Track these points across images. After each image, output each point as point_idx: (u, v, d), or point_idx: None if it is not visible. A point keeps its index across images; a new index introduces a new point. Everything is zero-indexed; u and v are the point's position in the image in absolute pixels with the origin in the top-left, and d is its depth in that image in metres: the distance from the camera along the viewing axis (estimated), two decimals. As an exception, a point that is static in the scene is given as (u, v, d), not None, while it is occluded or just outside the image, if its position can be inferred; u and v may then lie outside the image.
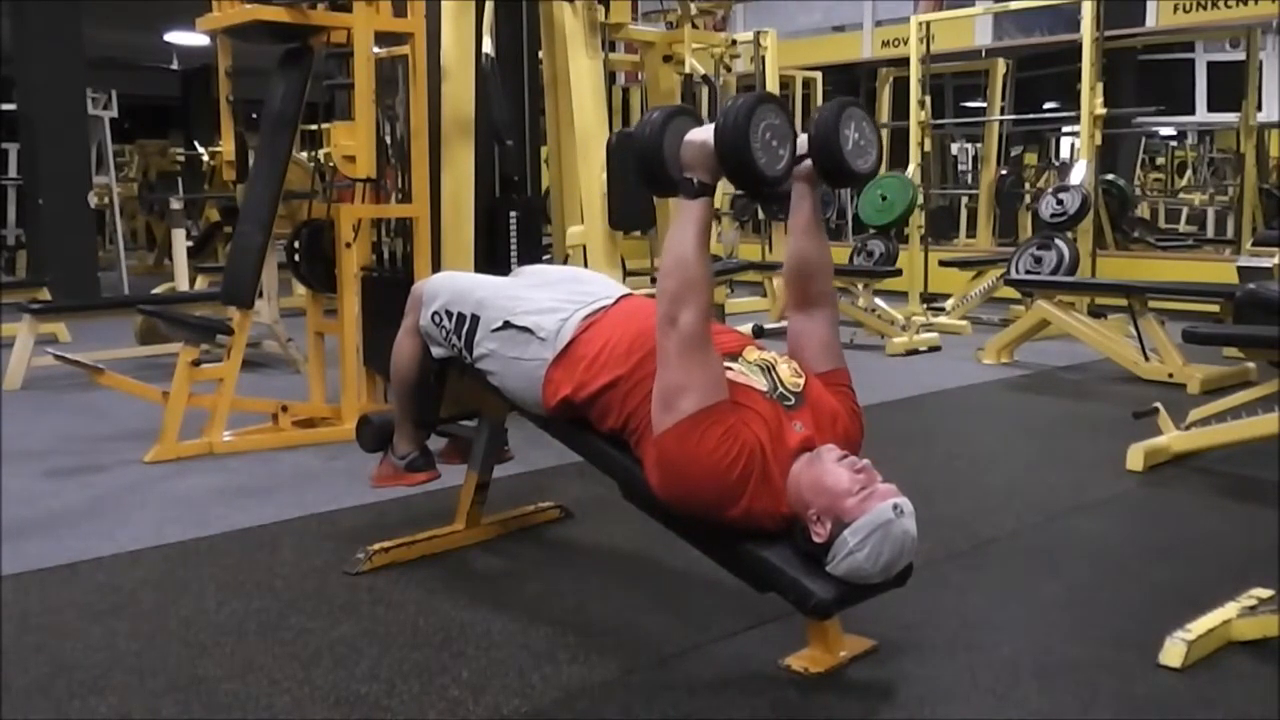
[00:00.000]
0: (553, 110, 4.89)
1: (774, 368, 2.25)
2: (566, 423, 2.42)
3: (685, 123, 2.22)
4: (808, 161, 2.29)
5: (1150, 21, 9.46)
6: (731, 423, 2.07)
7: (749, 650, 2.34)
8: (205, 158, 12.94)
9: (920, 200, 8.07)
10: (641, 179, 2.25)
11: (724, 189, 8.93)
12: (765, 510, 2.09)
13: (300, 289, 5.98)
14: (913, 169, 8.15)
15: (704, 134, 2.11)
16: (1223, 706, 2.11)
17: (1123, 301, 5.54)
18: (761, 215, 9.00)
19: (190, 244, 8.67)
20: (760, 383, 2.20)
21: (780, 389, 2.20)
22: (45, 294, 6.79)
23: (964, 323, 7.31)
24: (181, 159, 13.63)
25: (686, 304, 2.07)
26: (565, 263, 4.53)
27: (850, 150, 2.25)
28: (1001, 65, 9.63)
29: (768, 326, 6.53)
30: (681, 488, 2.10)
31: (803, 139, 2.28)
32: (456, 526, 2.98)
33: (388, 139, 4.49)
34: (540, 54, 4.83)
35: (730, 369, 2.20)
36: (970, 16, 9.79)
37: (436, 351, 2.69)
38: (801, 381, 2.25)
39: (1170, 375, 5.27)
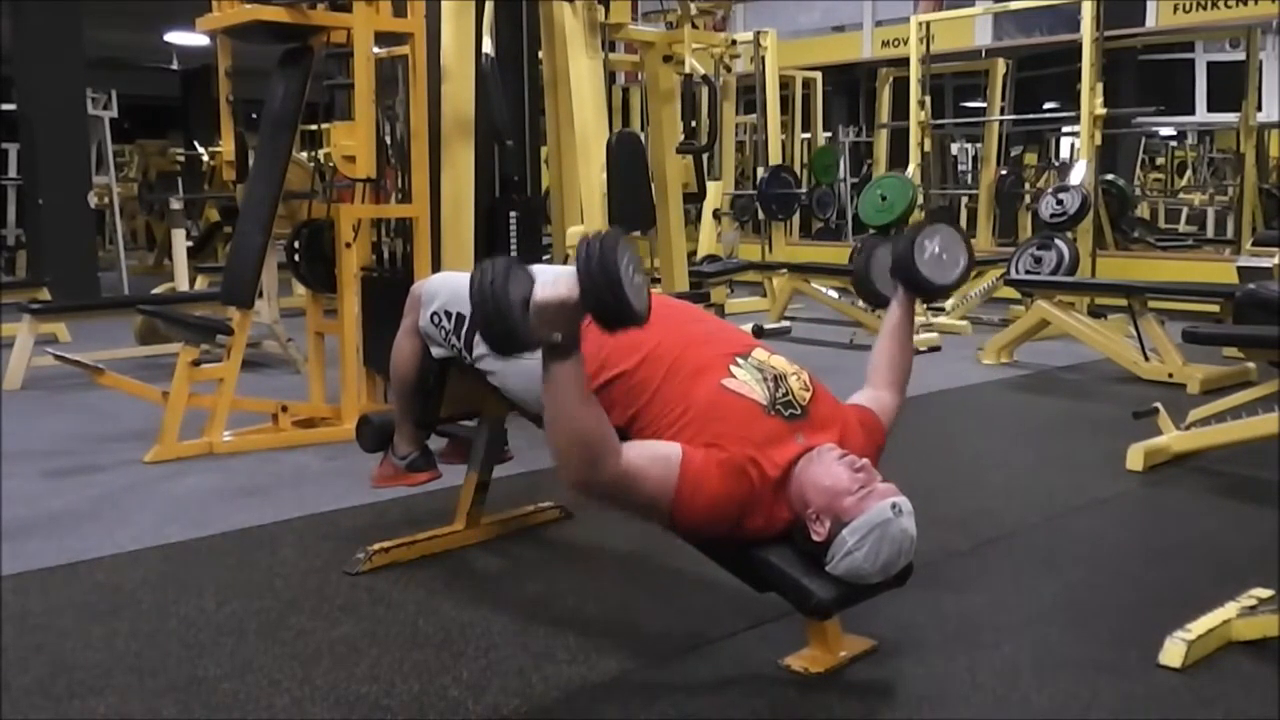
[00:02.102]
0: (553, 110, 4.89)
1: (783, 378, 2.23)
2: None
3: (524, 275, 1.93)
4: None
5: (1150, 21, 9.46)
6: (704, 463, 2.05)
7: (749, 650, 2.34)
8: (205, 158, 12.93)
9: (920, 200, 8.06)
10: (490, 344, 1.96)
11: (724, 189, 8.96)
12: (764, 525, 2.11)
13: (300, 289, 5.98)
14: (913, 169, 8.15)
15: (558, 290, 1.85)
16: (1223, 706, 2.11)
17: (1123, 301, 5.54)
18: (762, 215, 9.00)
19: (190, 244, 8.67)
20: (759, 395, 2.18)
21: (786, 399, 2.19)
22: (45, 294, 6.78)
23: (964, 323, 7.31)
24: (181, 159, 13.62)
25: (598, 462, 1.97)
26: (565, 263, 4.53)
27: (928, 262, 2.46)
28: (1001, 65, 9.63)
29: (768, 326, 6.53)
30: (701, 535, 2.15)
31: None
32: (456, 526, 2.98)
33: (388, 139, 4.49)
34: (540, 54, 4.82)
35: (733, 376, 2.19)
36: (970, 16, 9.79)
37: (436, 351, 2.69)
38: (809, 395, 2.24)
39: (1170, 375, 5.27)
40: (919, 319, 7.05)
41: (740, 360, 2.23)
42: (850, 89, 12.87)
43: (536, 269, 2.03)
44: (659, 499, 2.04)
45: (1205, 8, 9.18)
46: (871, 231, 8.14)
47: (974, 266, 2.61)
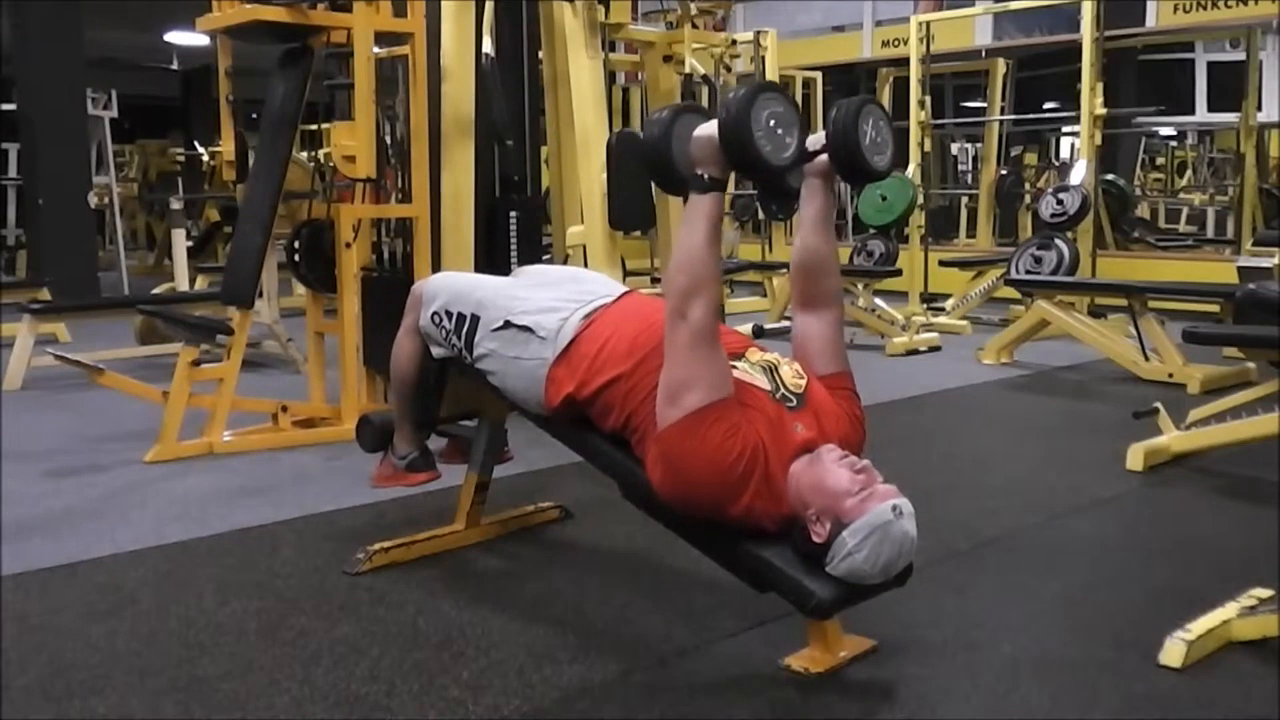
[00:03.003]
0: (553, 110, 4.89)
1: (776, 369, 2.25)
2: (566, 422, 2.42)
3: (693, 120, 2.21)
4: (822, 157, 2.27)
5: (1150, 21, 9.46)
6: (736, 420, 2.07)
7: (749, 650, 2.34)
8: (205, 158, 12.94)
9: (920, 200, 8.07)
10: (651, 176, 2.26)
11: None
12: (765, 510, 2.09)
13: (300, 289, 5.98)
14: (913, 169, 8.15)
15: (712, 128, 2.10)
16: (1223, 706, 2.11)
17: (1123, 301, 5.54)
18: (762, 215, 9.00)
19: (190, 244, 8.67)
20: (763, 383, 2.20)
21: (782, 390, 2.20)
22: (45, 294, 6.78)
23: (964, 323, 7.31)
24: (181, 159, 13.62)
25: (696, 299, 2.07)
26: (565, 263, 4.53)
27: (868, 146, 2.23)
28: (1001, 65, 9.63)
29: (768, 326, 6.52)
30: (683, 484, 2.09)
31: (819, 135, 2.28)
32: (456, 526, 2.98)
33: (388, 139, 4.49)
34: (540, 54, 4.82)
35: (734, 368, 2.20)
36: (970, 16, 9.79)
37: (436, 351, 2.69)
38: (803, 383, 2.24)
39: (1170, 375, 5.27)
40: (919, 319, 7.10)
41: (735, 359, 2.23)
42: (850, 89, 12.86)
43: None
44: (702, 391, 2.07)
45: (1205, 8, 9.18)
46: (871, 231, 8.16)
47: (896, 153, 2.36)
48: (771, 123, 2.08)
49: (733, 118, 2.05)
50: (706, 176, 2.11)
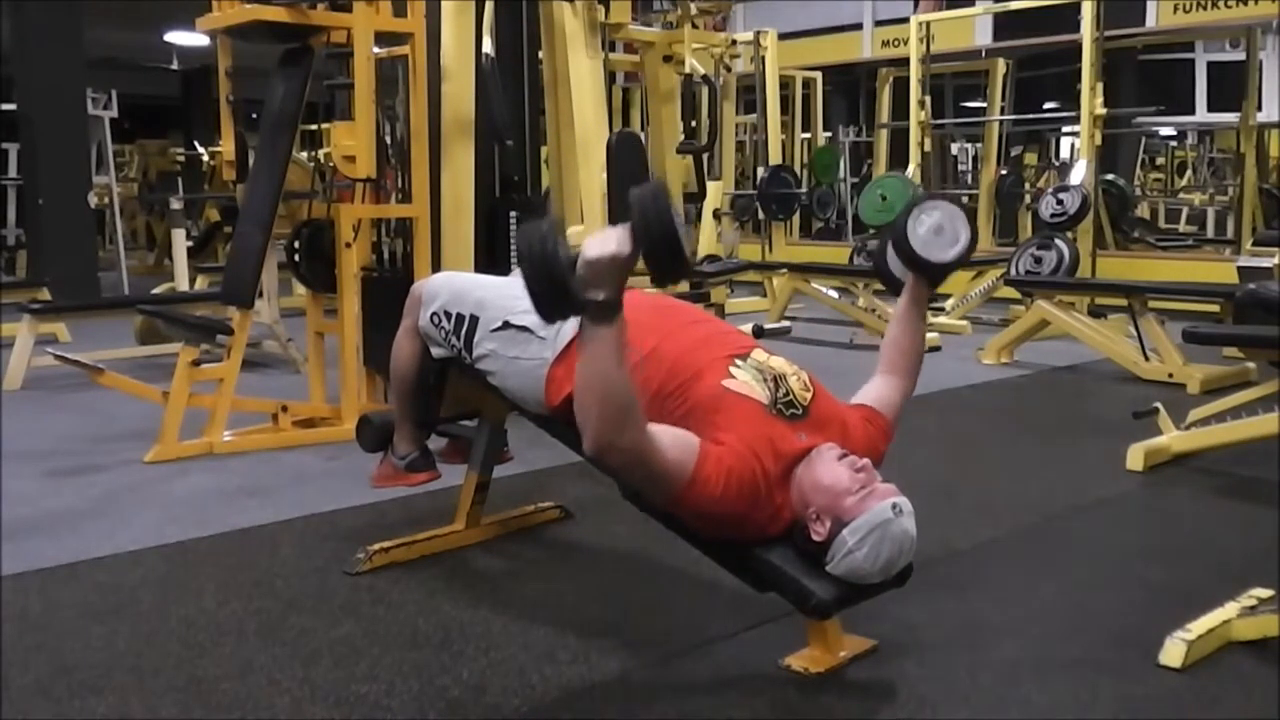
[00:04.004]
0: (553, 110, 4.89)
1: (784, 379, 2.23)
2: (566, 422, 2.41)
3: (562, 237, 1.89)
4: None
5: (1150, 21, 9.47)
6: (719, 457, 2.05)
7: (749, 650, 2.34)
8: (205, 158, 12.95)
9: (920, 200, 8.05)
10: (542, 308, 1.89)
11: (724, 189, 8.96)
12: (772, 519, 2.11)
13: (300, 289, 5.98)
14: (913, 169, 8.15)
15: (608, 245, 1.82)
16: (1223, 706, 2.11)
17: (1123, 301, 5.54)
18: (762, 215, 9.00)
19: (190, 244, 8.66)
20: (760, 395, 2.17)
21: (786, 399, 2.19)
22: (45, 294, 6.78)
23: (964, 323, 7.31)
24: (181, 159, 13.63)
25: (623, 428, 1.93)
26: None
27: (923, 237, 2.34)
28: (1001, 65, 9.64)
29: (768, 326, 6.52)
30: (702, 527, 2.14)
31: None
32: (456, 526, 2.98)
33: (388, 139, 4.49)
34: (540, 54, 4.82)
35: (733, 377, 2.19)
36: (970, 16, 9.79)
37: (436, 352, 2.69)
38: (810, 395, 2.24)
39: (1170, 375, 5.27)
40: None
41: (739, 361, 2.23)
42: (850, 89, 12.87)
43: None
44: (674, 476, 2.03)
45: (1205, 8, 9.19)
46: (871, 231, 8.16)
47: (975, 244, 2.45)
48: (680, 221, 1.88)
49: (659, 232, 1.82)
50: (605, 299, 1.84)
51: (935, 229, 2.36)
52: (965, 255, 2.38)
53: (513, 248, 4.48)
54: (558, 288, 1.83)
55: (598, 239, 1.84)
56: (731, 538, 2.14)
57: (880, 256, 2.57)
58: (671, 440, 2.04)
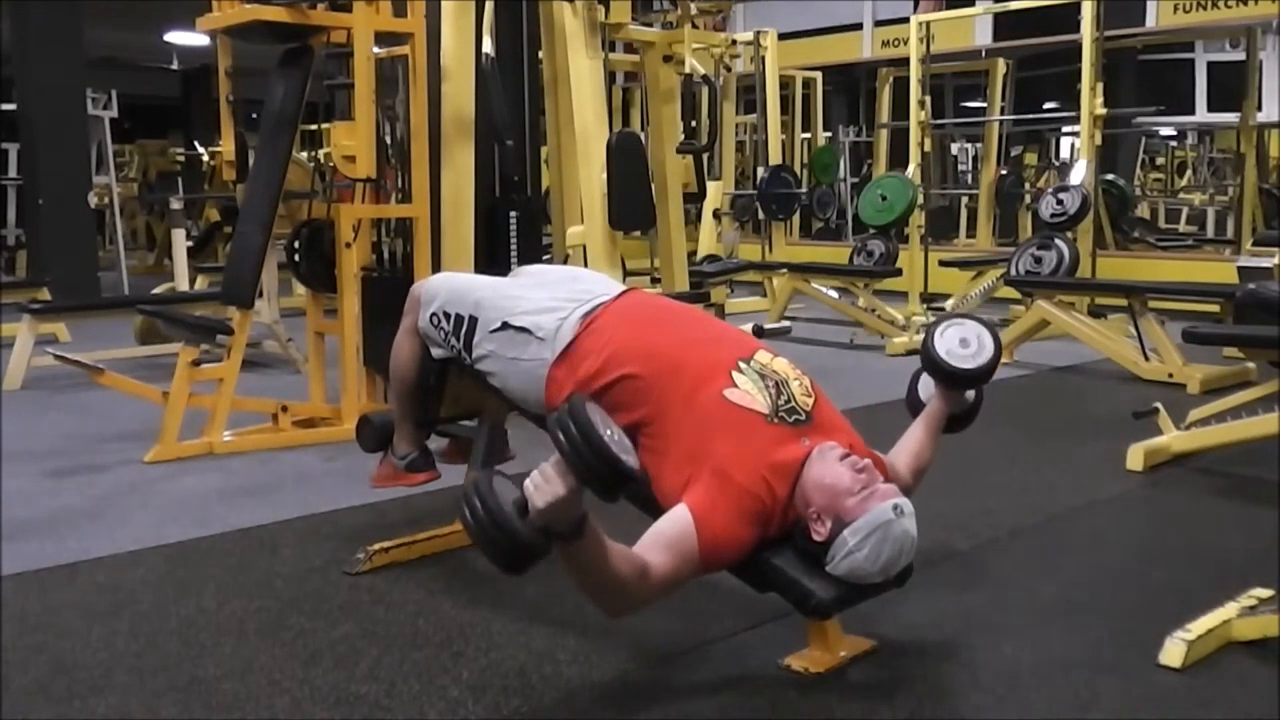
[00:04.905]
0: (553, 110, 4.88)
1: (786, 384, 2.22)
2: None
3: (502, 485, 1.83)
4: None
5: (1150, 21, 9.46)
6: (727, 515, 2.04)
7: (749, 650, 2.34)
8: (205, 158, 12.95)
9: (920, 200, 8.07)
10: (504, 568, 1.84)
11: (724, 189, 8.96)
12: (783, 527, 2.12)
13: (300, 289, 5.98)
14: (913, 169, 8.14)
15: (553, 489, 1.75)
16: (1223, 706, 2.11)
17: (1123, 301, 5.54)
18: (762, 215, 9.00)
19: (190, 244, 8.67)
20: (760, 405, 2.16)
21: (787, 406, 2.18)
22: (45, 294, 6.78)
23: (964, 323, 7.29)
24: (181, 159, 13.63)
25: (631, 601, 1.99)
26: (565, 263, 4.52)
27: (950, 353, 2.51)
28: (1001, 65, 9.63)
29: (768, 326, 6.52)
30: (735, 565, 2.16)
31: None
32: (456, 526, 2.98)
33: (388, 139, 4.49)
34: (540, 54, 4.82)
35: (735, 386, 2.17)
36: (970, 16, 9.79)
37: (436, 352, 2.69)
38: (812, 401, 2.23)
39: (1170, 375, 5.27)
40: (919, 319, 7.09)
41: (743, 365, 2.21)
42: (850, 89, 12.87)
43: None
44: (691, 568, 2.04)
45: (1205, 8, 9.19)
46: (871, 231, 8.16)
47: (1001, 355, 2.61)
48: (609, 432, 1.78)
49: (595, 462, 1.73)
50: (570, 525, 1.81)
51: (960, 341, 2.52)
52: (995, 363, 2.56)
53: (513, 248, 4.49)
54: (519, 548, 1.79)
55: (538, 484, 1.76)
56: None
57: (912, 389, 2.72)
58: (670, 549, 2.01)
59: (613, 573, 1.91)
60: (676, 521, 2.05)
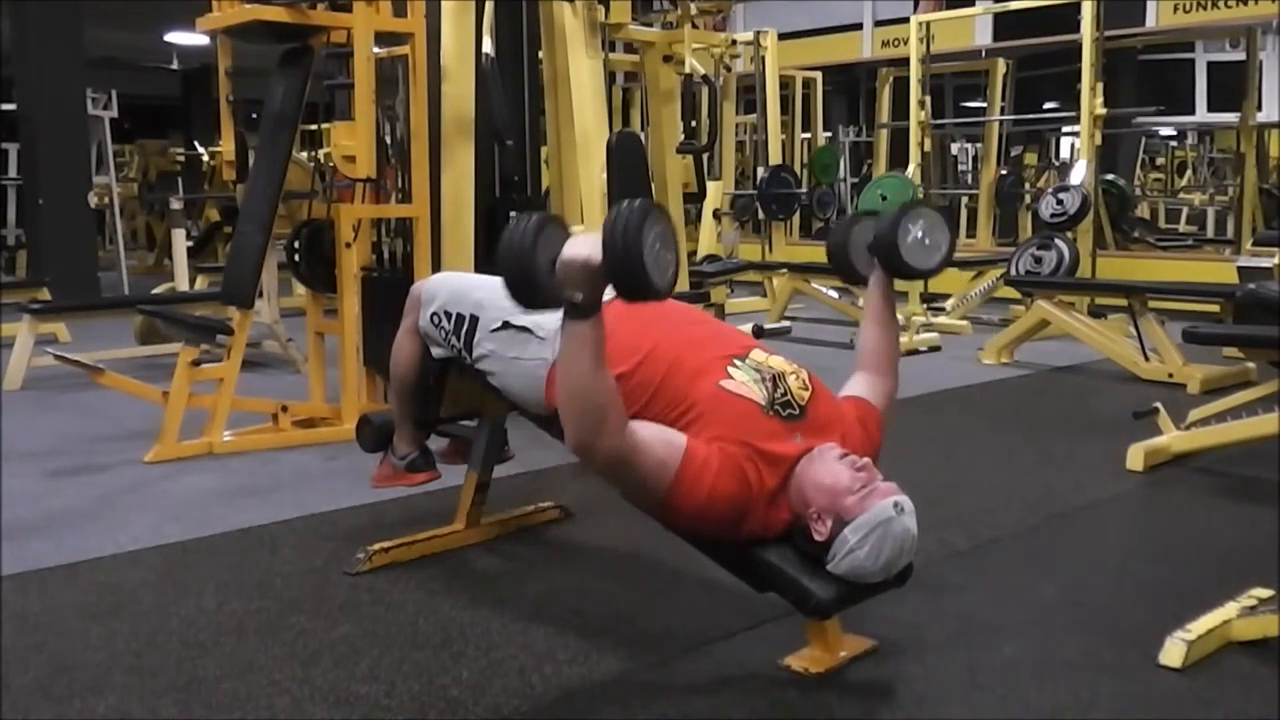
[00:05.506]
0: (553, 110, 4.88)
1: (782, 378, 2.23)
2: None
3: (557, 233, 1.97)
4: None
5: (1150, 21, 9.47)
6: (707, 459, 2.05)
7: (749, 650, 2.34)
8: (205, 158, 12.95)
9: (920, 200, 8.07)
10: (513, 295, 1.99)
11: (724, 189, 8.96)
12: (770, 522, 2.10)
13: (300, 289, 5.98)
14: (913, 169, 8.15)
15: (582, 250, 1.89)
16: (1223, 706, 2.11)
17: (1123, 301, 5.54)
18: (762, 215, 9.00)
19: (190, 244, 8.67)
20: (757, 396, 2.17)
21: (783, 399, 2.19)
22: (45, 294, 6.78)
23: (964, 323, 7.31)
24: (181, 159, 13.62)
25: (600, 431, 1.97)
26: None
27: (910, 246, 2.37)
28: (1001, 65, 9.63)
29: (768, 326, 6.52)
30: (691, 532, 2.16)
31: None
32: (456, 526, 2.98)
33: (388, 139, 4.49)
34: (540, 54, 4.82)
35: (731, 378, 2.18)
36: (970, 16, 9.78)
37: (436, 352, 2.69)
38: (808, 394, 2.23)
39: (1170, 375, 5.27)
40: (919, 319, 7.09)
41: (738, 362, 2.23)
42: (850, 89, 12.87)
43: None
44: (657, 480, 2.04)
45: (1205, 8, 9.19)
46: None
47: (954, 251, 2.51)
48: (658, 246, 1.90)
49: (623, 244, 1.85)
50: (583, 300, 1.92)
51: (922, 237, 2.41)
52: (947, 262, 2.50)
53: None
54: (528, 278, 1.94)
55: (578, 241, 1.91)
56: (726, 539, 2.13)
57: (841, 249, 2.53)
58: (656, 440, 2.05)
59: (602, 386, 1.95)
60: (672, 439, 2.07)
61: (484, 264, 4.27)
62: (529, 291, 1.96)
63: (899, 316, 7.03)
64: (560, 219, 2.01)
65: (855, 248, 2.50)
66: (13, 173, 10.30)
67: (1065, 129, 11.52)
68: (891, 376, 2.47)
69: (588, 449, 1.99)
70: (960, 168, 12.24)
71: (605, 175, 4.32)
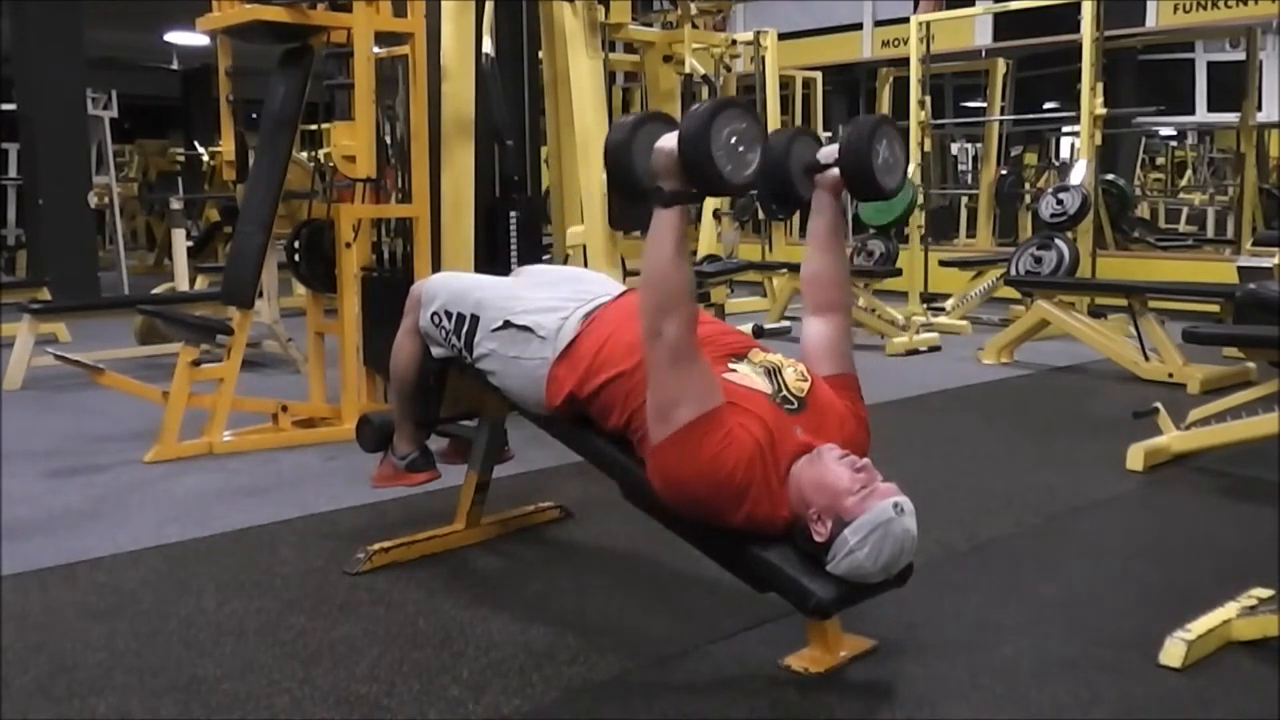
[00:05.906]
0: (553, 110, 4.89)
1: (779, 371, 2.24)
2: (567, 422, 2.42)
3: (657, 129, 2.15)
4: (833, 171, 2.32)
5: (1150, 21, 9.47)
6: (730, 428, 2.06)
7: (749, 650, 2.34)
8: (205, 158, 12.94)
9: (920, 200, 8.07)
10: (612, 186, 2.23)
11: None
12: (766, 515, 2.09)
13: (300, 289, 5.98)
14: (913, 169, 8.14)
15: (672, 140, 2.05)
16: (1223, 706, 2.11)
17: (1123, 301, 5.54)
18: (762, 215, 9.00)
19: (190, 244, 8.67)
20: (763, 386, 2.19)
21: (784, 392, 2.20)
22: (45, 294, 6.79)
23: (964, 323, 7.31)
24: (181, 159, 13.62)
25: (670, 316, 2.04)
26: (565, 263, 4.53)
27: (880, 166, 2.26)
28: (1001, 65, 9.63)
29: (768, 326, 6.52)
30: (683, 495, 2.11)
31: (831, 148, 2.33)
32: (456, 526, 2.98)
33: (388, 139, 4.49)
34: (540, 54, 4.82)
35: (734, 370, 2.20)
36: (970, 16, 9.78)
37: (436, 351, 2.69)
38: (806, 386, 2.24)
39: (1170, 375, 5.27)
40: (919, 319, 7.10)
41: (736, 360, 2.23)
42: (850, 89, 12.87)
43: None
44: (685, 408, 2.05)
45: (1205, 8, 9.19)
46: (871, 231, 8.16)
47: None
48: (733, 140, 2.02)
49: (692, 135, 1.99)
50: (669, 189, 2.06)
51: (888, 155, 2.29)
52: (903, 183, 2.37)
53: (513, 248, 4.48)
54: (623, 165, 2.19)
55: (671, 135, 2.06)
56: (716, 521, 2.11)
57: (775, 174, 2.34)
58: (708, 377, 2.09)
59: (680, 274, 2.07)
60: (716, 391, 2.10)
61: (484, 264, 4.27)
62: (625, 177, 2.19)
63: (899, 316, 7.06)
64: (667, 115, 2.18)
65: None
66: (13, 173, 10.30)
67: (1065, 129, 11.52)
68: (847, 312, 2.46)
69: (658, 331, 2.05)
70: (960, 168, 12.24)
71: (605, 175, 4.32)
